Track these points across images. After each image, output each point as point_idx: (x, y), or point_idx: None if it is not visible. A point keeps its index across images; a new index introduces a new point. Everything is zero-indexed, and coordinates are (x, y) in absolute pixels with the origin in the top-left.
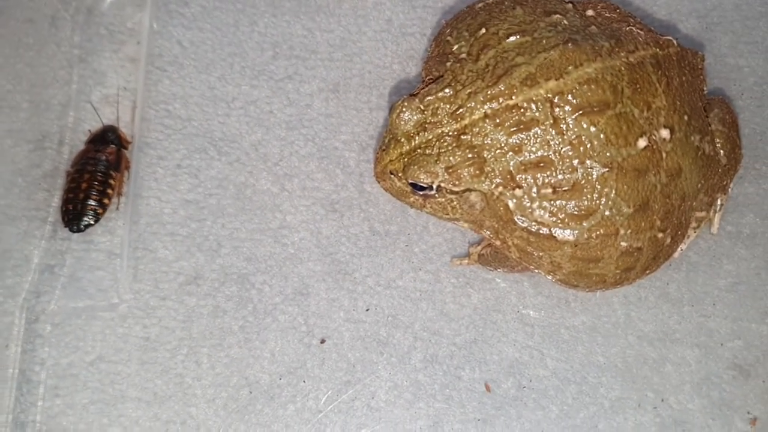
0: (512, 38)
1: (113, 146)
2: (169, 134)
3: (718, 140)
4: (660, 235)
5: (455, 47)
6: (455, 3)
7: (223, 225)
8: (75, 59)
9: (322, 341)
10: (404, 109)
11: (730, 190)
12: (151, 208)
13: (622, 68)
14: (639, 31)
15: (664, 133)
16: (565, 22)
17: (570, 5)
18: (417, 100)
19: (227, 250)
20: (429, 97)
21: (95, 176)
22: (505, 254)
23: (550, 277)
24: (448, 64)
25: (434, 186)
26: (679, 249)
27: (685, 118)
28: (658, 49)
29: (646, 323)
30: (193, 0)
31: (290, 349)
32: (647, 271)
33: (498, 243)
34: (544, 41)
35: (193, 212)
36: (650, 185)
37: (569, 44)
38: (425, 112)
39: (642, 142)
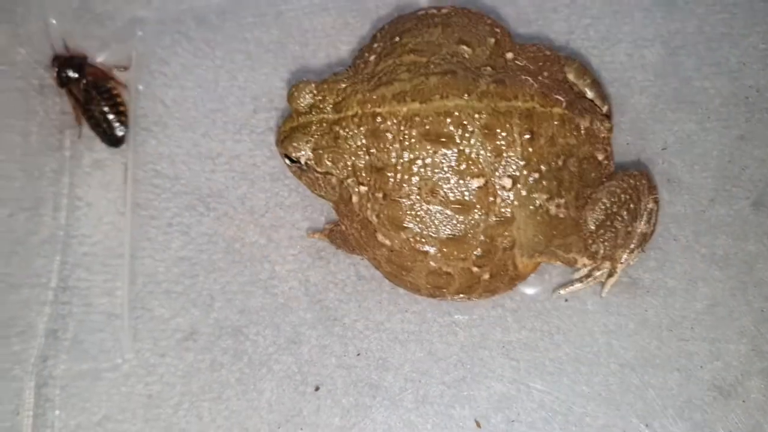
0: (411, 55)
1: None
2: (158, 194)
3: (595, 209)
4: (475, 269)
5: (375, 45)
6: None
7: (215, 279)
8: (65, 125)
9: (317, 388)
10: (299, 91)
11: (623, 258)
12: (146, 267)
13: (484, 112)
14: (535, 84)
15: (507, 182)
16: (466, 56)
17: (493, 41)
18: (312, 84)
19: (220, 304)
20: (323, 85)
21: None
22: (347, 238)
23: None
24: (360, 59)
25: (302, 162)
26: (563, 291)
27: (536, 176)
28: (538, 105)
29: (627, 350)
30: (173, 58)
31: (286, 397)
32: (462, 295)
33: (343, 227)
34: (432, 66)
35: (186, 269)
36: (473, 221)
37: (448, 75)
38: (317, 97)
39: (476, 182)
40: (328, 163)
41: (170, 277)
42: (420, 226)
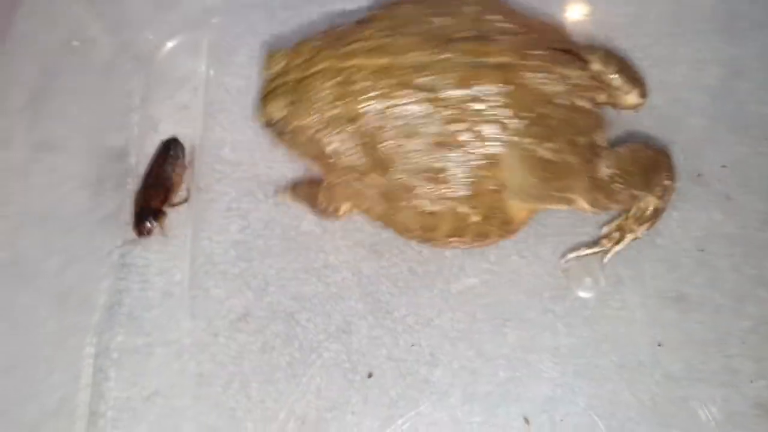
0: (385, 21)
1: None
2: (219, 179)
3: (610, 159)
4: (461, 210)
5: (374, 12)
6: None
7: (270, 264)
8: (133, 106)
9: (370, 375)
10: (273, 58)
11: (633, 229)
12: (204, 248)
13: (458, 66)
14: (515, 40)
15: (487, 127)
16: (448, 23)
17: (478, 9)
18: (285, 50)
19: (274, 289)
20: (296, 48)
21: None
22: (315, 194)
23: (369, 217)
24: (333, 26)
25: (279, 120)
26: (570, 256)
27: (517, 121)
28: (515, 59)
29: (673, 363)
30: (241, 49)
31: (335, 384)
32: (454, 239)
33: (325, 181)
34: (411, 27)
35: (242, 252)
36: (455, 160)
37: (421, 35)
38: (290, 61)
39: (454, 127)
40: (303, 115)
41: (227, 260)
42: (404, 163)
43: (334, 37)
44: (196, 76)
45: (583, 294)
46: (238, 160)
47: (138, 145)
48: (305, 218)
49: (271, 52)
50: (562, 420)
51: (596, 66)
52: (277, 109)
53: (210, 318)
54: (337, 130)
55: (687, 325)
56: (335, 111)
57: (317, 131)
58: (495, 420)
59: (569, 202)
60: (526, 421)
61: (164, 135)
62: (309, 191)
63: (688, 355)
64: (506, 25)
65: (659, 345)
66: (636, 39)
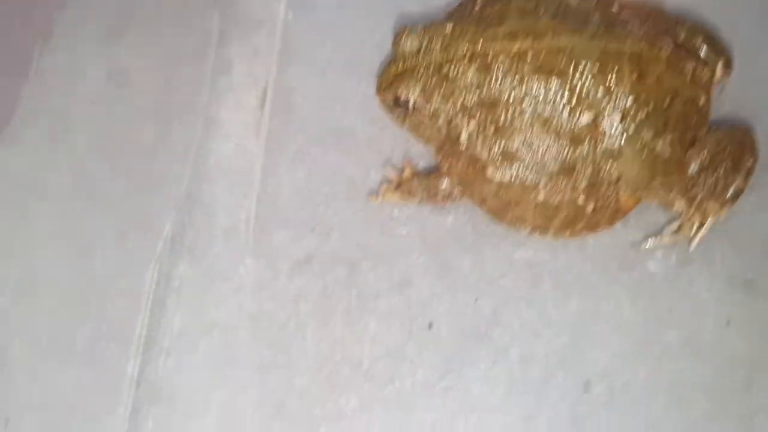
0: (518, 1)
1: None
2: (287, 124)
3: (701, 154)
4: (581, 201)
5: None
6: None
7: (334, 213)
8: (209, 44)
9: (430, 325)
10: (406, 35)
11: (715, 210)
12: (269, 192)
13: (595, 51)
14: (641, 30)
15: (616, 117)
16: (574, 4)
17: None
18: (419, 28)
19: (337, 236)
20: (429, 29)
21: None
22: (435, 184)
23: (480, 208)
24: (463, 6)
25: (410, 104)
26: (652, 241)
27: (643, 112)
28: (645, 49)
29: (738, 345)
30: (320, 1)
31: (391, 334)
32: (567, 231)
33: (446, 167)
34: (541, 10)
35: (307, 199)
36: (583, 153)
37: (558, 18)
38: (423, 41)
39: (587, 116)
40: (438, 102)
41: (291, 205)
42: (532, 158)
43: (471, 18)
44: (274, 20)
45: (652, 268)
46: (309, 109)
47: (210, 84)
48: (372, 170)
49: (402, 29)
50: (620, 390)
51: (683, 35)
52: (410, 91)
53: (271, 259)
54: (472, 117)
55: (755, 310)
56: (473, 97)
57: (451, 117)
58: (553, 382)
59: (669, 203)
60: (587, 385)
61: (237, 76)
62: (427, 183)
63: (754, 339)
64: (630, 10)
65: (728, 324)
66: (721, 13)
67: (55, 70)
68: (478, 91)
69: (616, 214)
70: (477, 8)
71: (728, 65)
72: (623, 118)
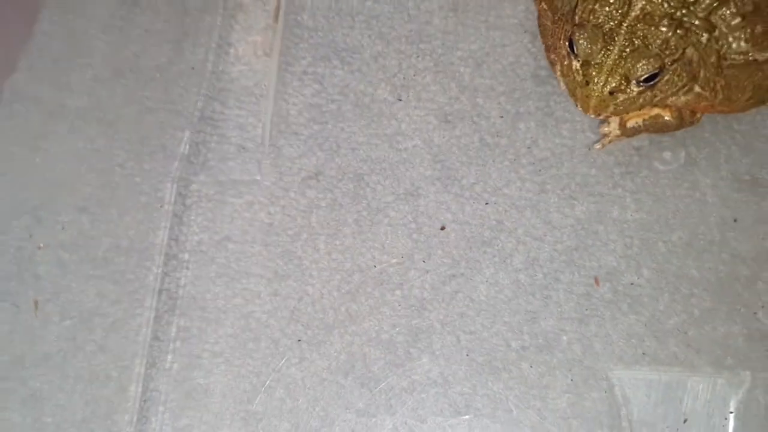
0: None
1: None
2: (296, 43)
3: None
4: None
5: None
6: None
7: (342, 128)
8: None
9: (442, 228)
10: (582, 39)
11: None
12: (279, 109)
13: None
14: None
15: None
16: None
17: None
18: (587, 25)
19: (345, 151)
20: (595, 9)
21: None
22: (663, 121)
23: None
24: None
25: (662, 66)
26: None
27: None
28: None
29: (741, 243)
30: None
31: (399, 242)
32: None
33: (706, 92)
34: None
35: (315, 115)
36: None
37: None
38: (600, 26)
39: None
40: (679, 41)
41: (300, 121)
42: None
43: None
44: None
45: (659, 166)
46: (316, 26)
47: (222, 5)
48: (380, 86)
49: (582, 35)
50: (625, 289)
51: None
52: (652, 61)
53: (282, 174)
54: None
55: (759, 208)
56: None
57: (692, 45)
58: (557, 285)
59: None
60: (596, 281)
61: None
62: (654, 123)
63: (758, 237)
64: None
65: (735, 221)
66: None
67: None
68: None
69: None
70: None
71: None
72: None
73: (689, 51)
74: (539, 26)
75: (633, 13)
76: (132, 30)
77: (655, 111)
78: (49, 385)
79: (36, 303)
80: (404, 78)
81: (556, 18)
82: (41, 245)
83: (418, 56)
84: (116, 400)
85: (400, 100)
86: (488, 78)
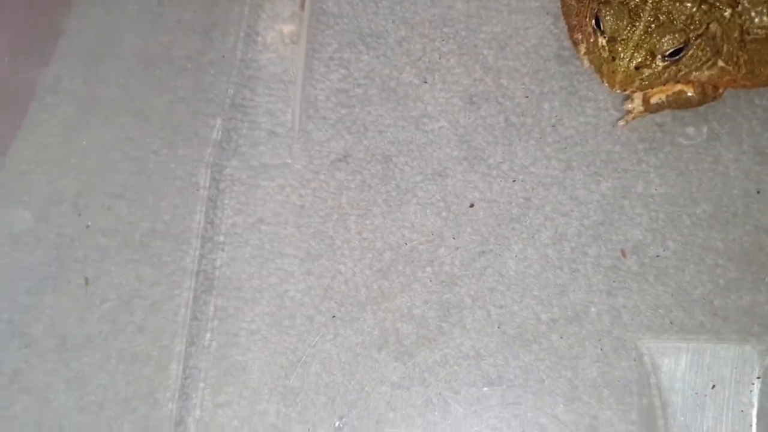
0: None
1: None
2: (322, 29)
3: None
4: None
5: None
6: None
7: (369, 112)
8: None
9: (471, 205)
10: (608, 15)
11: None
12: (307, 94)
13: None
14: None
15: None
16: None
17: None
18: (613, 2)
19: (373, 134)
20: None
21: None
22: (686, 96)
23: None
24: None
25: (686, 41)
26: None
27: None
28: None
29: (764, 214)
30: None
31: (428, 221)
32: None
33: (729, 67)
34: None
35: (343, 100)
36: None
37: None
38: (626, 3)
39: None
40: (703, 17)
41: (328, 105)
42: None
43: None
44: None
45: (682, 141)
46: (341, 13)
47: None
48: (405, 69)
49: (607, 11)
50: (651, 261)
51: None
52: (677, 35)
53: (311, 157)
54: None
55: None
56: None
57: (712, 21)
58: (585, 258)
59: None
60: (623, 254)
61: None
62: (677, 99)
63: None
64: None
65: (758, 192)
66: None
67: None
68: None
69: None
70: None
71: None
72: None
73: (713, 26)
74: (562, 7)
75: None
76: (162, 22)
77: (678, 87)
78: (91, 366)
79: (86, 280)
80: (429, 61)
81: None
82: (86, 227)
83: (442, 40)
84: (157, 379)
85: (426, 82)
86: (512, 60)
